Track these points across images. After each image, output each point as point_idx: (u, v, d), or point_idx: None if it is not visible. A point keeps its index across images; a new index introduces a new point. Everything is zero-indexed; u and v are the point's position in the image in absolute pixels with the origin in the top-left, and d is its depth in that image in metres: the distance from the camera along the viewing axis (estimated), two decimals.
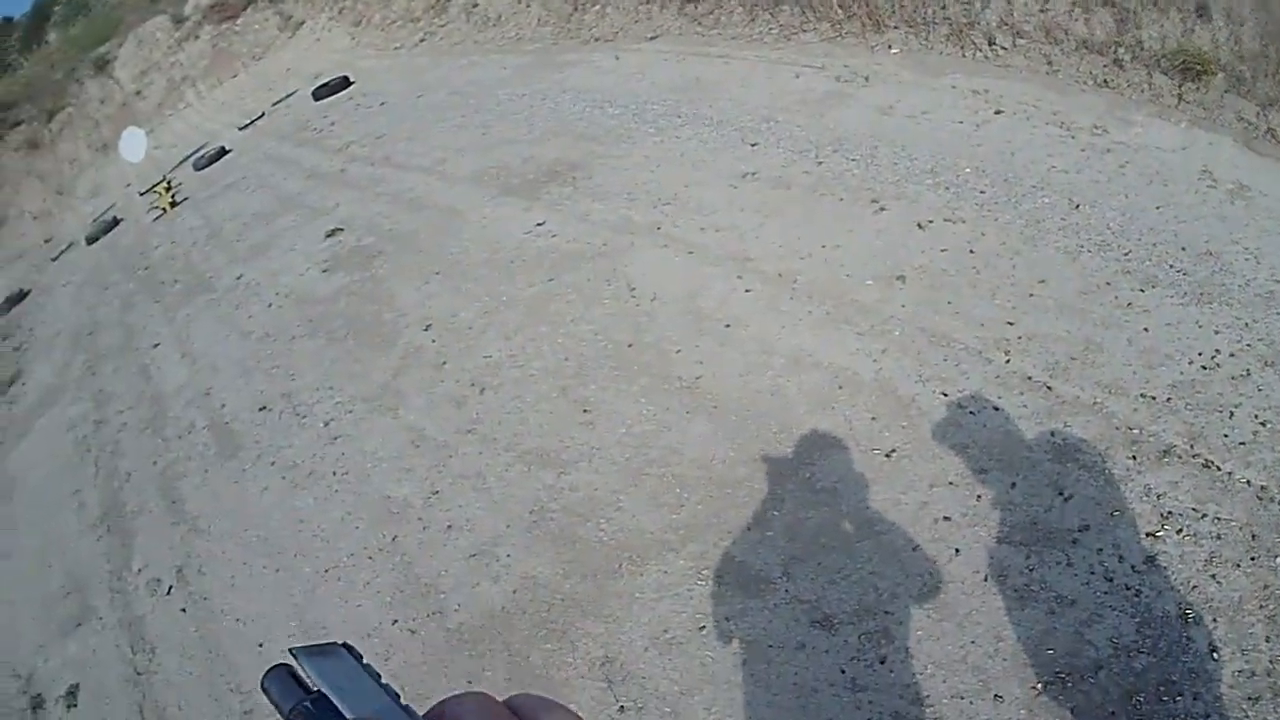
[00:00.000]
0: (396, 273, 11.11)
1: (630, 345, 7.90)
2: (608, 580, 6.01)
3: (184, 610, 7.52)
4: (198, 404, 10.57)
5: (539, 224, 10.61)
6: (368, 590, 6.69)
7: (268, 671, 0.84)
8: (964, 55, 10.10)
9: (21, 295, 21.79)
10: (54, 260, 23.83)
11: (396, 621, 6.34)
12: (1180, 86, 8.02)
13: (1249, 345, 5.88)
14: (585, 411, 7.35)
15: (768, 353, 7.14)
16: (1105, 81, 8.59)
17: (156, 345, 12.85)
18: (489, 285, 9.84)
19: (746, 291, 7.90)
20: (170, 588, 7.88)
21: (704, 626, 5.51)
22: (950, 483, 5.68)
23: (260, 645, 6.68)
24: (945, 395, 6.22)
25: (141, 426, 10.93)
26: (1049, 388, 6.00)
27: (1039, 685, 4.69)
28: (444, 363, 8.88)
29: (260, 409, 9.57)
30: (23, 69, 46.35)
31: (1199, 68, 7.95)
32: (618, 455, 6.81)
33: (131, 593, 8.20)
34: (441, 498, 7.21)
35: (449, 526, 6.93)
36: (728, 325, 7.58)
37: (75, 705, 7.34)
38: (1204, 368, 5.83)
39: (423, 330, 9.57)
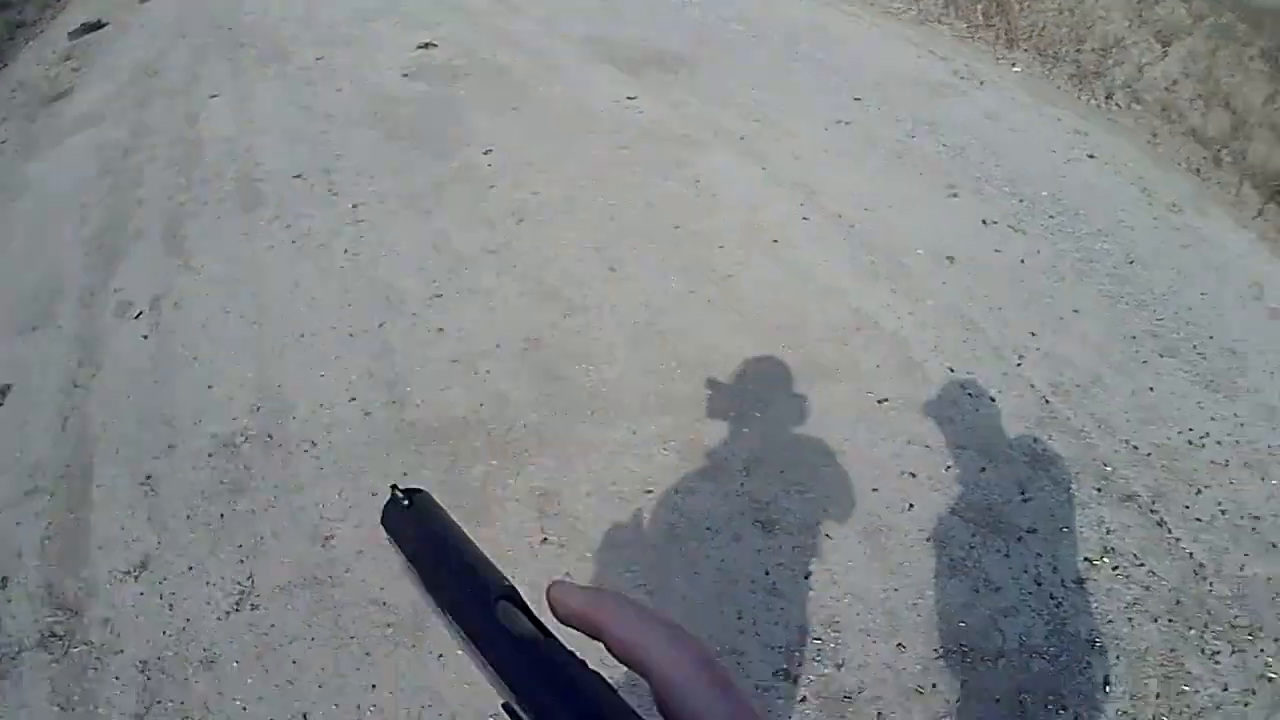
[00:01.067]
0: (477, 98, 10.85)
1: (677, 228, 7.98)
2: (576, 422, 6.15)
3: (146, 337, 7.47)
4: (235, 157, 10.26)
5: (630, 97, 10.46)
6: (336, 365, 6.76)
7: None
8: (1079, 99, 10.11)
9: (99, 25, 20.79)
10: (143, 2, 22.43)
11: (354, 400, 6.46)
12: (1265, 205, 8.11)
13: (1236, 442, 6.08)
14: (612, 270, 7.46)
15: (804, 278, 7.30)
16: (1198, 170, 8.69)
17: (214, 96, 11.89)
18: (562, 133, 9.75)
19: (804, 219, 8.01)
20: (140, 313, 7.76)
21: (651, 491, 5.68)
22: (927, 446, 5.90)
23: (210, 387, 6.75)
24: (952, 371, 6.42)
25: (171, 163, 10.51)
26: (1047, 401, 6.21)
27: (941, 649, 4.94)
28: (492, 186, 8.87)
29: (295, 176, 9.43)
30: None
31: None
32: (628, 316, 6.94)
33: (99, 310, 8.03)
34: (443, 302, 7.30)
35: (439, 329, 7.00)
36: (776, 241, 7.70)
37: (1, 404, 7.22)
38: (1189, 443, 6.04)
39: (483, 153, 9.49)
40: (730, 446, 5.91)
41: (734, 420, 6.09)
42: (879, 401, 6.21)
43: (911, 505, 5.63)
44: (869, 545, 5.45)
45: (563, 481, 5.75)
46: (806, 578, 5.22)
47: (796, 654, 4.89)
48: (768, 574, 5.22)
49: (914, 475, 5.72)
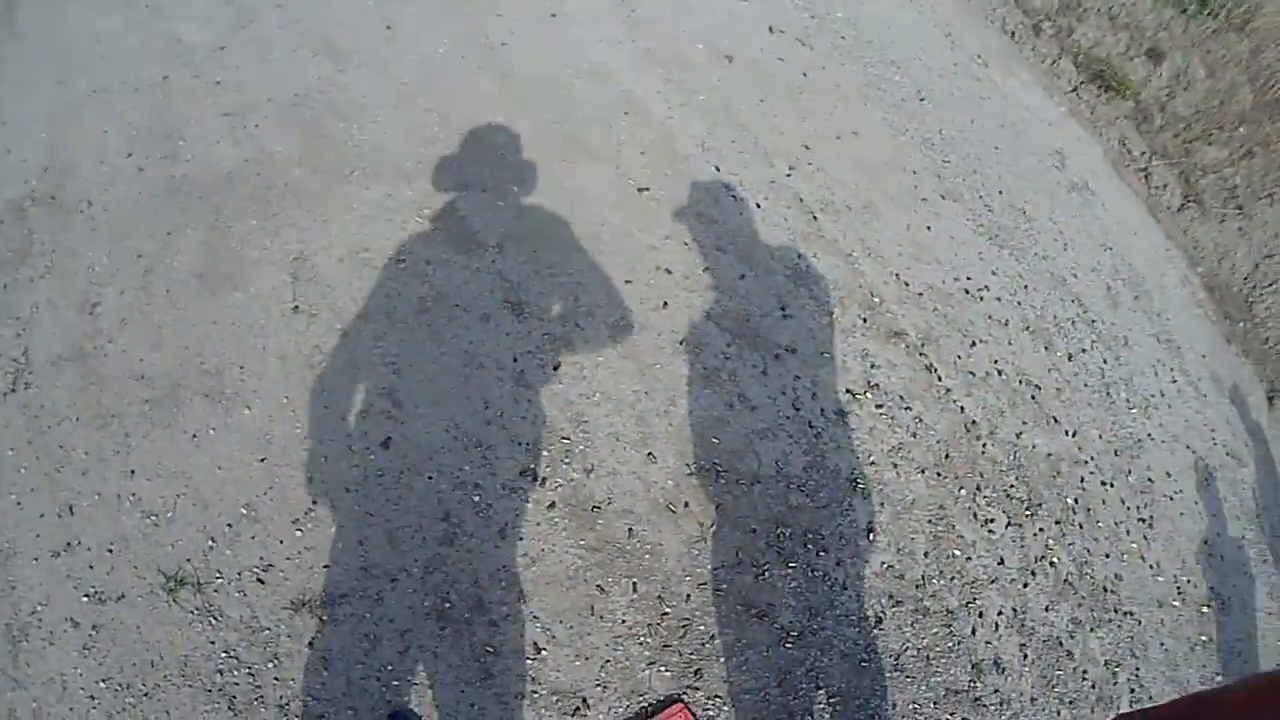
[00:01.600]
0: None
1: None
2: (335, 182, 5.78)
3: None
4: None
5: None
6: (120, 120, 6.20)
7: None
8: None
9: None
10: None
11: (131, 155, 5.92)
12: (1083, 83, 7.94)
13: (1019, 303, 5.92)
14: (389, 27, 6.93)
15: (578, 53, 6.90)
16: (1013, 33, 8.43)
17: None
18: None
19: None
20: None
21: (404, 261, 5.41)
22: (685, 244, 5.68)
23: (8, 151, 6.14)
24: (718, 169, 6.16)
25: None
26: (815, 218, 5.97)
27: (694, 465, 4.76)
28: None
29: None
30: None
31: (1115, 85, 7.89)
32: (398, 75, 6.54)
33: None
34: (225, 54, 6.71)
35: (218, 82, 6.47)
36: (554, 15, 7.21)
37: None
38: (967, 292, 5.85)
39: None
40: (484, 219, 5.63)
41: (491, 193, 5.78)
42: (639, 190, 5.94)
43: (666, 304, 5.30)
44: (610, 341, 5.12)
45: (317, 245, 5.44)
46: (555, 369, 5.02)
47: (545, 453, 4.73)
48: (515, 360, 5.03)
49: (670, 272, 5.49)
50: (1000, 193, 6.61)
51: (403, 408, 4.80)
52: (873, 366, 5.25)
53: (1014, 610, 4.61)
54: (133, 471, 4.52)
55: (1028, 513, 4.95)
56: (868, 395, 5.13)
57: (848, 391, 5.13)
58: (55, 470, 4.55)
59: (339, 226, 5.52)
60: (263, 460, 4.58)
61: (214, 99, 6.29)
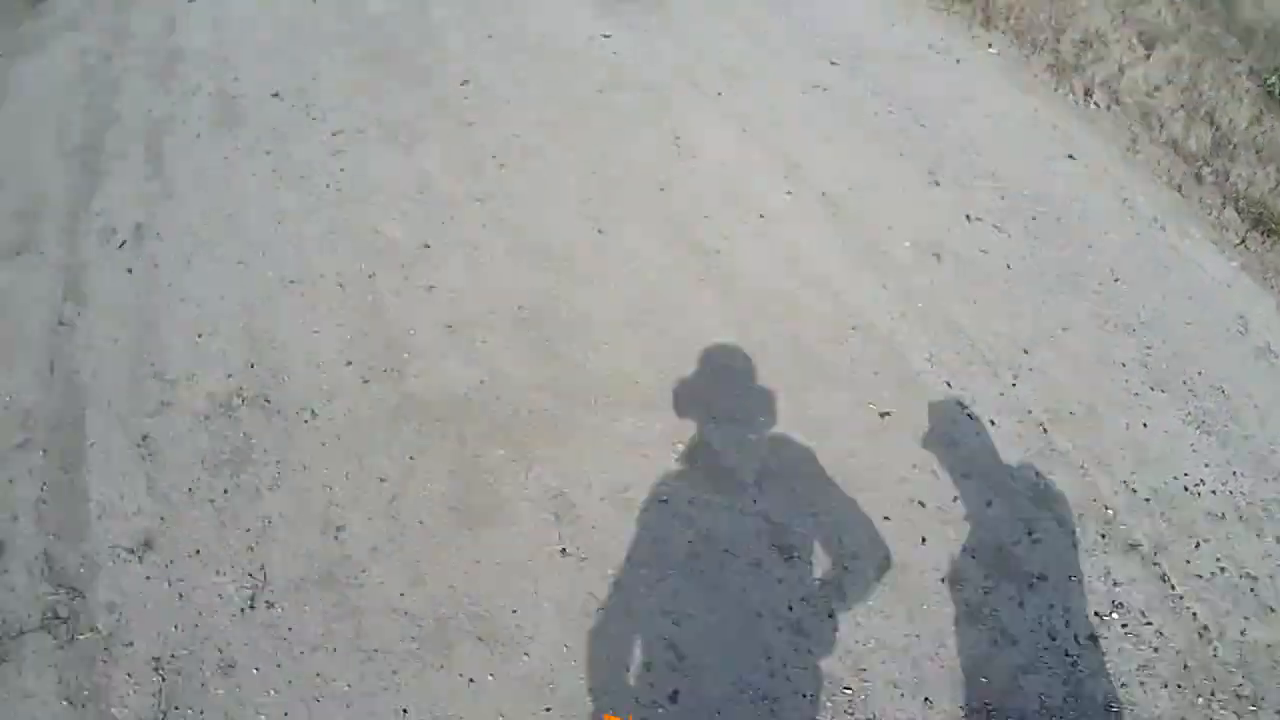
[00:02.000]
0: (452, 21, 10.16)
1: (662, 190, 7.66)
2: (580, 410, 5.95)
3: (130, 271, 7.01)
4: (210, 70, 9.54)
5: (605, 35, 9.92)
6: (329, 318, 6.47)
7: None
8: (1056, 91, 9.83)
9: None
10: None
11: (351, 364, 6.19)
12: (1248, 232, 8.04)
13: (1231, 492, 6.03)
14: (600, 232, 7.18)
15: (793, 260, 7.06)
16: (1179, 187, 8.55)
17: (192, 0, 11.21)
18: (535, 67, 9.31)
19: (788, 194, 7.70)
20: (124, 242, 7.29)
21: (667, 500, 5.53)
22: (933, 471, 5.75)
23: (200, 336, 6.40)
24: (949, 385, 6.27)
25: (148, 73, 9.81)
26: (1044, 429, 6.05)
27: (966, 707, 4.82)
28: (471, 124, 8.45)
29: (273, 95, 8.82)
30: None
31: (1274, 228, 7.97)
32: (621, 290, 6.72)
33: (83, 235, 7.52)
34: (431, 254, 6.97)
35: (431, 287, 6.73)
36: (762, 216, 7.41)
37: None
38: (1186, 489, 5.97)
39: (460, 84, 9.02)
40: (739, 455, 5.74)
41: (739, 424, 5.92)
42: (881, 415, 6.05)
43: (924, 540, 5.45)
44: (887, 583, 5.28)
45: (574, 481, 5.56)
46: (830, 616, 5.11)
47: (828, 704, 4.79)
48: (791, 609, 5.12)
49: (923, 505, 5.59)
50: (1200, 373, 6.75)
51: (686, 660, 4.90)
52: (1115, 584, 5.33)
53: None
54: (405, 710, 4.66)
55: (1252, 708, 5.10)
56: (1114, 616, 5.21)
57: (1096, 614, 5.20)
58: (314, 699, 4.68)
59: (594, 461, 5.66)
60: (548, 710, 4.69)
61: (431, 307, 6.54)
